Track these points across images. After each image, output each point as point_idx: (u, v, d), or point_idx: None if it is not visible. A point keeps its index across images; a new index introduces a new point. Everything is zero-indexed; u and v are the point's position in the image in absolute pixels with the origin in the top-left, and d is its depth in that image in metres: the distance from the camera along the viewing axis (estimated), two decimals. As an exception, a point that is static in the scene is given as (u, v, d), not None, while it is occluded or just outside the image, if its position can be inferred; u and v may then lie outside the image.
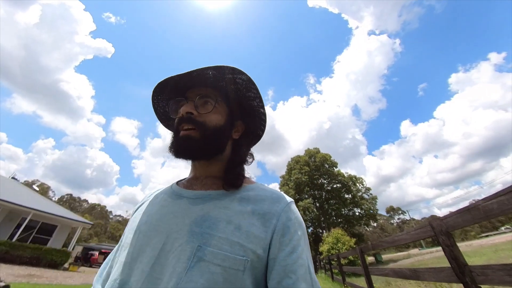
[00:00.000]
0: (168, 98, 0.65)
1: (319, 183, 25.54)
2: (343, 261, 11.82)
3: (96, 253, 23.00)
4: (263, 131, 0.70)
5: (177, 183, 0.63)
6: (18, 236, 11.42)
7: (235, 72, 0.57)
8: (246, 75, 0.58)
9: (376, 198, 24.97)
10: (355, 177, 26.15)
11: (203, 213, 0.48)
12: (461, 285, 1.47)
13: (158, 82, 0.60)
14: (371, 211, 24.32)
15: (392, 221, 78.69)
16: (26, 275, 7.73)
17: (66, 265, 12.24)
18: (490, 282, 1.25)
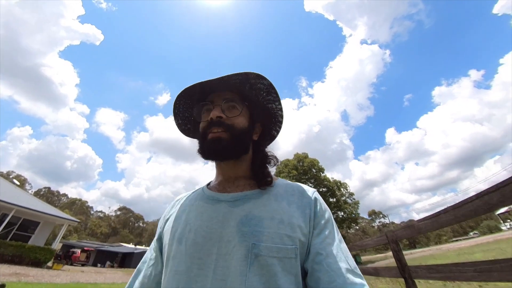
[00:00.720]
0: (190, 102, 0.68)
1: (306, 187, 26.52)
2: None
3: (78, 251, 22.35)
4: (278, 132, 0.74)
5: (208, 187, 0.65)
6: (-2, 233, 11.08)
7: (259, 78, 0.61)
8: (268, 80, 0.62)
9: (358, 203, 26.46)
10: (340, 182, 27.62)
11: (246, 213, 0.52)
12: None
13: (185, 87, 0.61)
14: (353, 215, 25.79)
15: (373, 224, 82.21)
16: (12, 273, 7.68)
17: (49, 264, 12.04)
18: (419, 277, 1.88)
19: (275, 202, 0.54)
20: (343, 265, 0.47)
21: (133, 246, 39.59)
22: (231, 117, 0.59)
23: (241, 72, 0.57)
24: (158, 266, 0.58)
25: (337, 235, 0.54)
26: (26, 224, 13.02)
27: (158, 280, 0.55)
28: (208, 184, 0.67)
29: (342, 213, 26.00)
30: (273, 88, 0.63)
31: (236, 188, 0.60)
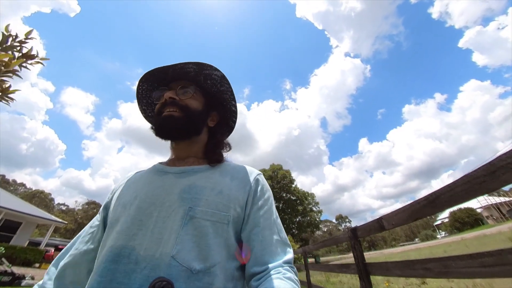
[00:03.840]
0: (151, 88, 0.72)
1: (279, 196, 29.76)
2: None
3: (52, 249, 22.38)
4: (234, 122, 0.79)
5: (160, 163, 0.68)
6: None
7: (211, 68, 0.66)
8: (220, 72, 0.67)
9: (322, 212, 30.38)
10: (307, 193, 31.36)
11: (190, 183, 0.57)
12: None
13: (145, 72, 0.66)
14: (316, 222, 29.69)
15: (340, 228, 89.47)
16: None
17: (36, 264, 12.93)
18: (373, 273, 1.87)
19: (220, 176, 0.61)
20: (275, 237, 0.56)
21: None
22: (184, 99, 0.64)
23: (196, 61, 0.63)
24: (98, 233, 0.60)
25: (274, 213, 0.61)
26: (7, 225, 13.22)
27: (96, 246, 0.58)
28: (162, 162, 0.70)
29: (308, 218, 29.54)
30: (226, 80, 0.69)
31: (185, 163, 0.65)
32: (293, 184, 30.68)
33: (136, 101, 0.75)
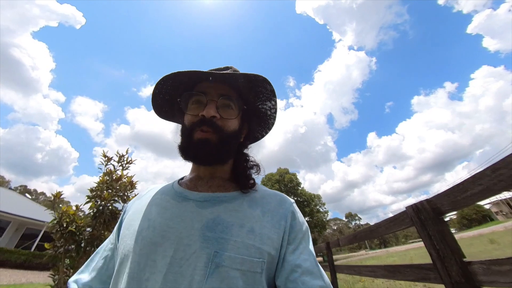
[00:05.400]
0: (177, 85, 0.59)
1: (286, 198, 31.29)
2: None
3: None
4: (263, 136, 0.71)
5: (179, 182, 0.59)
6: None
7: (264, 82, 0.57)
8: (272, 86, 0.58)
9: (328, 212, 31.44)
10: (314, 194, 32.45)
11: (214, 216, 0.47)
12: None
13: (178, 71, 0.53)
14: (323, 222, 31.04)
15: (350, 225, 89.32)
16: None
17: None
18: (340, 272, 2.83)
19: (249, 208, 0.50)
20: (318, 282, 0.43)
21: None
22: (226, 119, 0.54)
23: (250, 73, 0.53)
24: (111, 260, 0.53)
25: (313, 250, 0.50)
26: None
27: (110, 274, 0.51)
28: (181, 179, 0.61)
29: (316, 219, 30.67)
30: (275, 95, 0.61)
31: (209, 188, 0.55)
32: (300, 186, 31.90)
33: (152, 94, 0.60)
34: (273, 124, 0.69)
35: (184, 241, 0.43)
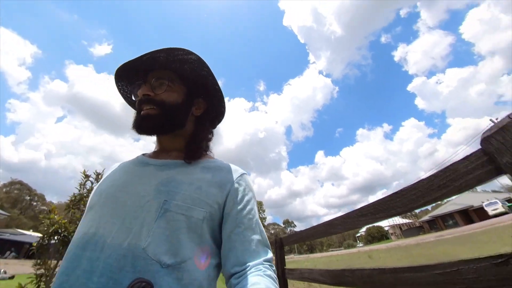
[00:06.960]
0: (129, 82, 0.70)
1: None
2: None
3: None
4: (224, 107, 0.76)
5: (143, 155, 0.67)
6: None
7: (185, 53, 0.61)
8: (196, 54, 0.62)
9: (266, 218, 34.81)
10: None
11: (168, 176, 0.55)
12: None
13: (116, 69, 0.64)
14: None
15: (286, 231, 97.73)
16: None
17: None
18: (289, 277, 2.27)
19: (201, 173, 0.59)
20: (257, 237, 0.55)
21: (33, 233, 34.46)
22: (159, 94, 0.61)
23: (164, 48, 0.58)
24: None
25: (256, 213, 0.60)
26: None
27: None
28: (146, 153, 0.69)
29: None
30: (204, 63, 0.64)
31: (168, 156, 0.64)
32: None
33: (117, 89, 0.72)
34: (220, 91, 0.72)
35: (141, 193, 0.52)
